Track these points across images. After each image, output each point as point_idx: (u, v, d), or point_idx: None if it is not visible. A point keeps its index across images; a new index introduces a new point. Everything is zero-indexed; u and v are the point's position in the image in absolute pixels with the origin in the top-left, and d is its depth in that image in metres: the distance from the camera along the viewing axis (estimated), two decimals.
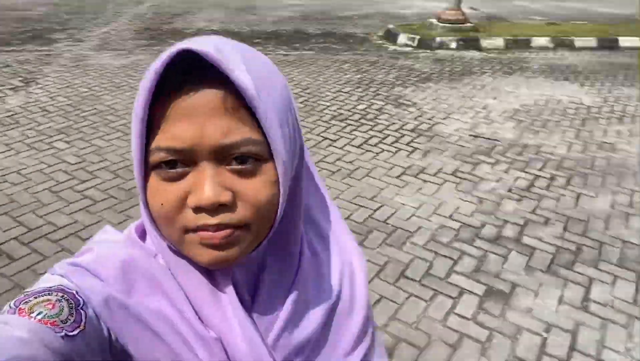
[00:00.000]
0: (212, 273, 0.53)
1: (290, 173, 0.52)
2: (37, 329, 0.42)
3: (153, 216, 0.50)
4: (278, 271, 0.57)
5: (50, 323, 0.43)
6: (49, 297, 0.46)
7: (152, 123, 0.47)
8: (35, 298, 0.45)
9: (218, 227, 0.47)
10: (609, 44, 8.53)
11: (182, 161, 0.47)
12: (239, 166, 0.47)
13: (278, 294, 0.57)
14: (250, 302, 0.55)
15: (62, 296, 0.46)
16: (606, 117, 5.18)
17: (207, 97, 0.46)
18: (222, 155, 0.47)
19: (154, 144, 0.47)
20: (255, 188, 0.48)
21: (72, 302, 0.46)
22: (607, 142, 4.55)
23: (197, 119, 0.45)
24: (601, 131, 4.81)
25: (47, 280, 0.49)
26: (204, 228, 0.47)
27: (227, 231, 0.47)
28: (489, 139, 4.56)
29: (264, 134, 0.47)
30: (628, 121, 5.10)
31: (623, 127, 4.93)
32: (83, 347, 0.44)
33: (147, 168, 0.49)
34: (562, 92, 5.91)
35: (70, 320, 0.44)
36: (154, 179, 0.48)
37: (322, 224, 0.65)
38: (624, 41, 8.57)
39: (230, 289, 0.53)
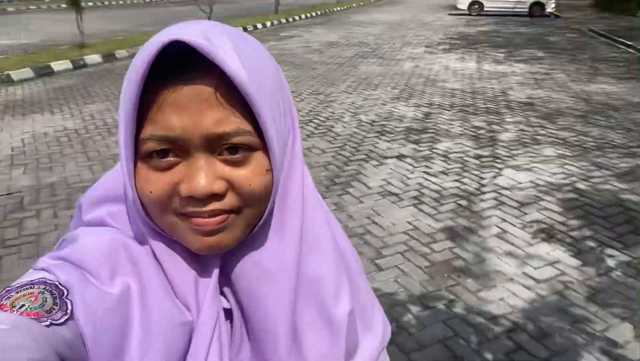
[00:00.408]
0: (199, 258, 0.53)
1: (282, 160, 0.52)
2: (21, 321, 0.41)
3: (143, 203, 0.49)
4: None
5: (33, 314, 0.42)
6: (31, 290, 0.45)
7: (140, 114, 0.46)
8: (17, 292, 0.44)
9: (210, 213, 0.47)
10: (46, 72, 8.82)
11: (173, 150, 0.47)
12: (231, 156, 0.47)
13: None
14: (232, 293, 0.55)
15: (44, 288, 0.45)
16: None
17: (199, 87, 0.45)
18: (213, 145, 0.47)
19: (146, 134, 0.46)
20: (247, 177, 0.48)
21: (55, 293, 0.45)
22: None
23: (189, 109, 0.45)
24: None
25: (30, 275, 0.47)
26: (197, 214, 0.48)
27: (221, 218, 0.48)
28: (9, 193, 4.10)
29: (254, 122, 0.47)
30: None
31: None
32: (74, 336, 0.43)
33: (136, 158, 0.48)
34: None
35: (55, 309, 0.43)
36: (143, 168, 0.48)
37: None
38: (57, 66, 9.07)
39: (214, 277, 0.52)
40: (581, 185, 4.24)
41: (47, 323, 0.42)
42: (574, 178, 4.38)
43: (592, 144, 5.26)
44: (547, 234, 3.45)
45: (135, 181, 0.49)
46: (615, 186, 4.22)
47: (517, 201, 3.94)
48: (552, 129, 5.79)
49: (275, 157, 0.49)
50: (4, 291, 0.45)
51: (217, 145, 0.47)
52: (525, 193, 4.10)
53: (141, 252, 0.51)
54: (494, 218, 3.68)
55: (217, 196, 0.47)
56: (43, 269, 0.48)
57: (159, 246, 0.52)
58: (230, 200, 0.48)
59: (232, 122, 0.46)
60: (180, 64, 0.45)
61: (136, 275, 0.50)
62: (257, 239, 0.54)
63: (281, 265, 0.54)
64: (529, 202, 3.93)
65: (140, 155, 0.48)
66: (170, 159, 0.47)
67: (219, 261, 0.53)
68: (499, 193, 4.09)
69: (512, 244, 3.33)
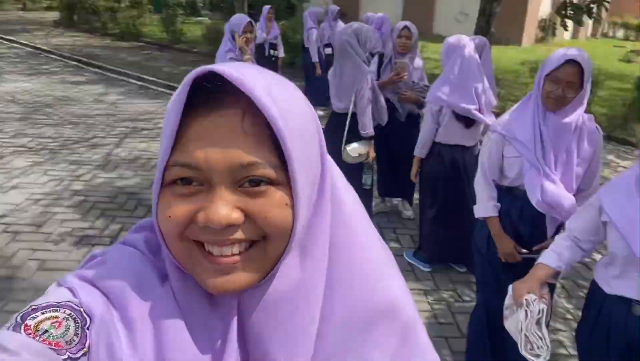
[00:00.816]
0: (216, 299, 0.51)
1: (308, 201, 0.50)
2: (41, 351, 0.42)
3: (162, 232, 0.49)
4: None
5: (54, 345, 0.43)
6: (56, 313, 0.46)
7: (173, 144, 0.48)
8: (43, 313, 0.45)
9: (226, 242, 0.47)
10: None
11: (197, 179, 0.47)
12: (253, 188, 0.47)
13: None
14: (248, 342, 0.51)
15: (70, 314, 0.46)
16: None
17: (226, 116, 0.46)
18: (237, 176, 0.46)
19: (172, 160, 0.47)
20: (263, 208, 0.47)
21: (79, 321, 0.46)
22: None
23: (214, 137, 0.45)
24: None
25: (56, 293, 0.49)
26: (213, 242, 0.47)
27: (236, 258, 0.47)
28: None
29: (281, 159, 0.47)
30: None
31: None
32: None
33: (163, 185, 0.49)
34: None
35: (74, 340, 0.44)
36: (167, 194, 0.48)
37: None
38: None
39: (229, 321, 0.50)
40: (78, 186, 4.22)
41: (65, 356, 0.43)
42: (66, 182, 4.28)
43: (55, 144, 5.21)
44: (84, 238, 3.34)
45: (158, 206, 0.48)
46: (104, 177, 4.45)
47: (33, 225, 3.53)
48: (3, 138, 5.28)
49: (298, 192, 0.47)
50: (30, 308, 0.46)
51: (240, 177, 0.46)
52: (33, 212, 3.70)
53: (161, 290, 0.50)
54: (22, 251, 3.19)
55: (234, 227, 0.46)
56: (69, 288, 0.49)
57: (178, 281, 0.51)
58: (247, 232, 0.47)
59: (257, 154, 0.46)
60: (210, 95, 0.46)
61: (148, 309, 0.49)
62: (276, 280, 0.50)
63: (303, 311, 0.51)
64: (46, 219, 3.61)
65: (165, 182, 0.48)
66: (193, 187, 0.47)
67: (238, 304, 0.50)
68: (6, 224, 3.52)
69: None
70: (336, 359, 0.52)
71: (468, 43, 2.82)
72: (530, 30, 14.89)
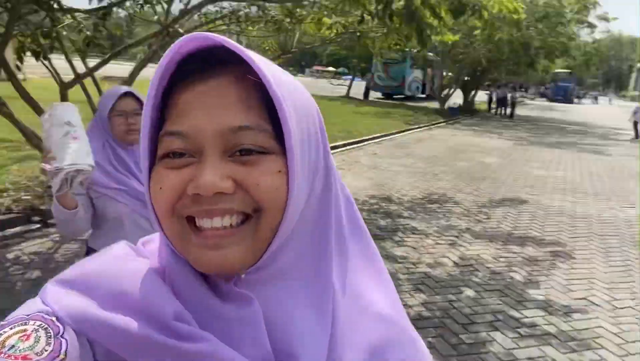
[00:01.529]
0: (216, 284, 0.48)
1: (305, 176, 0.48)
2: None
3: (155, 209, 0.48)
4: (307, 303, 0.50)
5: (21, 358, 0.41)
6: (24, 327, 0.43)
7: (165, 117, 0.47)
8: (11, 328, 0.43)
9: (214, 212, 0.45)
10: None
11: (188, 150, 0.45)
12: (245, 157, 0.45)
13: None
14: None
15: (40, 325, 0.43)
16: None
17: (216, 83, 0.45)
18: (227, 143, 0.45)
19: (162, 131, 0.46)
20: (255, 176, 0.45)
21: (51, 330, 0.43)
22: None
23: (204, 103, 0.45)
24: None
25: (28, 305, 0.47)
26: (204, 214, 0.45)
27: (226, 231, 0.45)
28: None
29: (275, 129, 0.45)
30: None
31: None
32: None
33: (157, 161, 0.48)
34: None
35: (46, 350, 0.42)
36: (159, 168, 0.47)
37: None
38: None
39: (232, 302, 0.47)
40: None
41: None
42: None
43: None
44: None
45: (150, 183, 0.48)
46: None
47: None
48: None
49: (294, 159, 0.45)
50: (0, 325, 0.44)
51: (231, 144, 0.45)
52: None
53: (152, 285, 0.47)
54: None
55: (226, 197, 0.44)
56: (42, 299, 0.47)
57: (173, 267, 0.49)
58: (238, 203, 0.45)
59: (247, 118, 0.45)
60: (200, 65, 0.46)
61: (137, 309, 0.46)
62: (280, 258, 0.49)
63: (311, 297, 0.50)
64: None
65: (158, 156, 0.47)
66: (184, 159, 0.46)
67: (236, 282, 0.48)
68: None
69: None
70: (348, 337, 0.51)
71: None
72: None
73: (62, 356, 0.42)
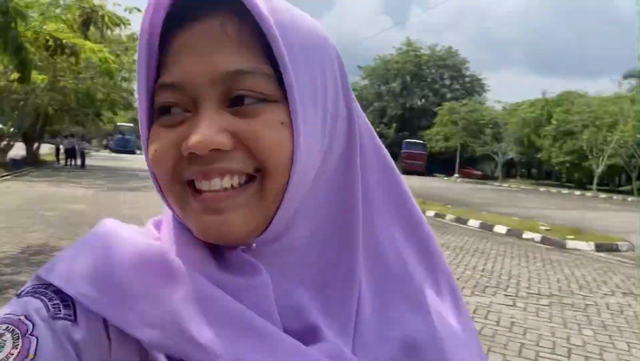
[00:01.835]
0: (223, 257, 0.43)
1: (316, 127, 0.42)
2: None
3: (155, 176, 0.44)
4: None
5: None
6: None
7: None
8: None
9: (212, 172, 0.40)
10: None
11: (183, 104, 0.41)
12: (243, 107, 0.40)
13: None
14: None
15: (7, 327, 0.39)
16: None
17: (208, 23, 0.40)
18: (223, 90, 0.40)
19: (156, 85, 0.42)
20: (254, 129, 0.39)
21: (18, 331, 0.39)
22: None
23: (194, 49, 0.40)
24: None
25: (4, 308, 0.42)
26: (202, 175, 0.40)
27: (226, 193, 0.40)
28: None
29: (277, 72, 0.40)
30: None
31: None
32: None
33: (155, 122, 0.43)
34: None
35: (13, 354, 0.37)
36: (155, 127, 0.42)
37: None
38: None
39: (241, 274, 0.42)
40: None
41: None
42: None
43: None
44: None
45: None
46: None
47: None
48: None
49: (297, 109, 0.40)
50: None
51: (227, 92, 0.40)
52: None
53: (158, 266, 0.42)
54: None
55: (223, 154, 0.39)
56: (19, 299, 0.42)
57: (178, 240, 0.44)
58: (239, 162, 0.40)
59: (243, 60, 0.39)
60: (193, 5, 0.41)
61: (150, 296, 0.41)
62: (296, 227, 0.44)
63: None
64: None
65: (155, 114, 0.42)
66: (179, 115, 0.41)
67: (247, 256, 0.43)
68: None
69: None
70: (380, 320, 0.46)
71: None
72: None
73: (31, 356, 0.38)
